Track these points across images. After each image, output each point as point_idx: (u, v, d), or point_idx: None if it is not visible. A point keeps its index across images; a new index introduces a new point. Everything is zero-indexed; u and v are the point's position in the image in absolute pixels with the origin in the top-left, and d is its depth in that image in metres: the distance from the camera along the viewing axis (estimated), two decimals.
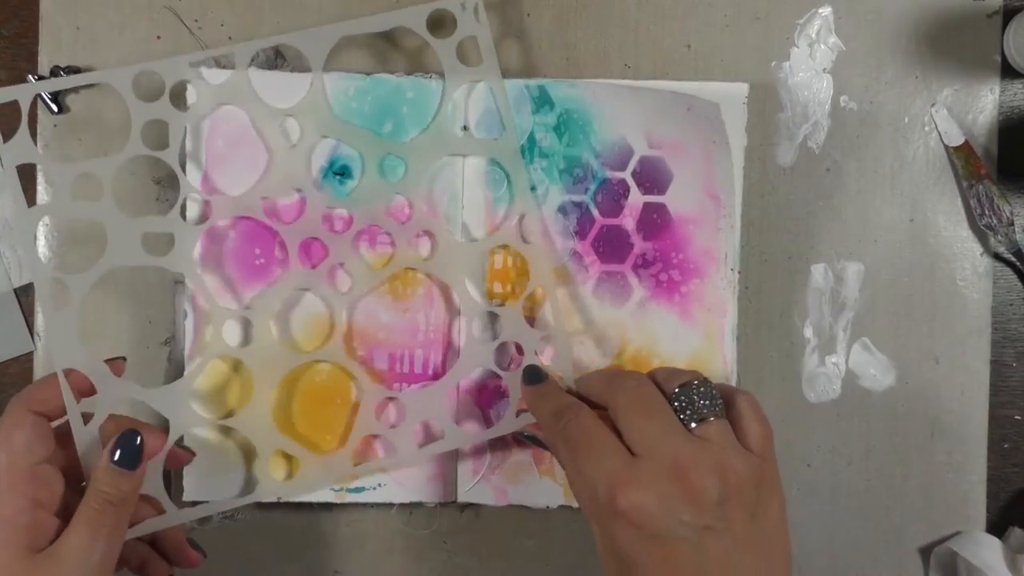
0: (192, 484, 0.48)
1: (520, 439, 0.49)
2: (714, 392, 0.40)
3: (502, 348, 0.49)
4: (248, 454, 0.48)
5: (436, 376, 0.49)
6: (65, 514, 0.41)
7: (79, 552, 0.40)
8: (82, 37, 0.50)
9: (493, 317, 0.49)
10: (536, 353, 0.48)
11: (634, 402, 0.40)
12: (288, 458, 0.48)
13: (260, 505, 0.50)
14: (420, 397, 0.48)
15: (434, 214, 0.48)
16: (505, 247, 0.49)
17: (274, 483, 0.48)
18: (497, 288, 0.49)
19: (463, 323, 0.48)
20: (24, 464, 0.40)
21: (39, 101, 0.49)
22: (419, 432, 0.49)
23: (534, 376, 0.46)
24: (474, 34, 0.47)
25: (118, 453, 0.42)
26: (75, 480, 0.43)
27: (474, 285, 0.49)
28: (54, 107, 0.49)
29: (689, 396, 0.40)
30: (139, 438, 0.42)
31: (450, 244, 0.48)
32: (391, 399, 0.49)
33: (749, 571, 0.38)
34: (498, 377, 0.48)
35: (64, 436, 0.43)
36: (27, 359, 0.51)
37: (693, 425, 0.39)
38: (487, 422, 0.49)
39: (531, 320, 0.49)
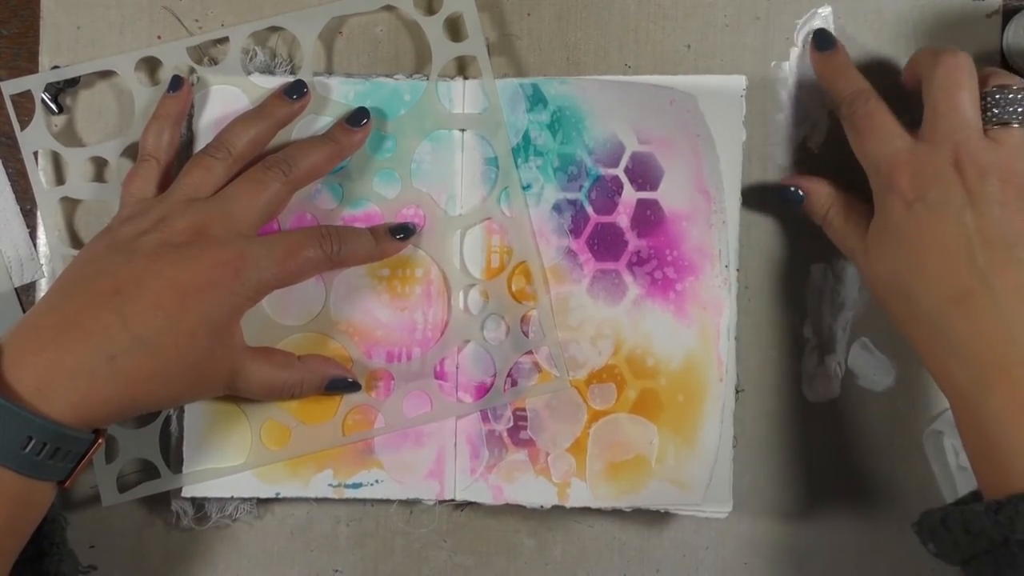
0: (191, 453, 0.49)
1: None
2: None
3: (491, 321, 0.49)
4: (240, 423, 0.49)
5: (436, 373, 0.49)
6: None
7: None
8: (83, 37, 0.50)
9: (480, 291, 0.49)
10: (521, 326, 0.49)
11: (945, 84, 0.42)
12: (279, 428, 0.49)
13: (259, 503, 0.51)
14: (409, 369, 0.49)
15: (423, 189, 0.49)
16: (490, 220, 0.49)
17: (267, 452, 0.49)
18: (495, 263, 0.49)
19: (451, 296, 0.49)
20: None
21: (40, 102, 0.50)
22: (409, 403, 0.49)
23: (824, 42, 0.48)
24: (460, 10, 0.48)
25: None
26: None
27: (461, 259, 0.49)
28: (55, 107, 0.50)
29: (1002, 97, 0.41)
30: None
31: (437, 218, 0.49)
32: (381, 370, 0.49)
33: (1012, 236, 0.40)
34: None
35: None
36: None
37: (995, 127, 0.41)
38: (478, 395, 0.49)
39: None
